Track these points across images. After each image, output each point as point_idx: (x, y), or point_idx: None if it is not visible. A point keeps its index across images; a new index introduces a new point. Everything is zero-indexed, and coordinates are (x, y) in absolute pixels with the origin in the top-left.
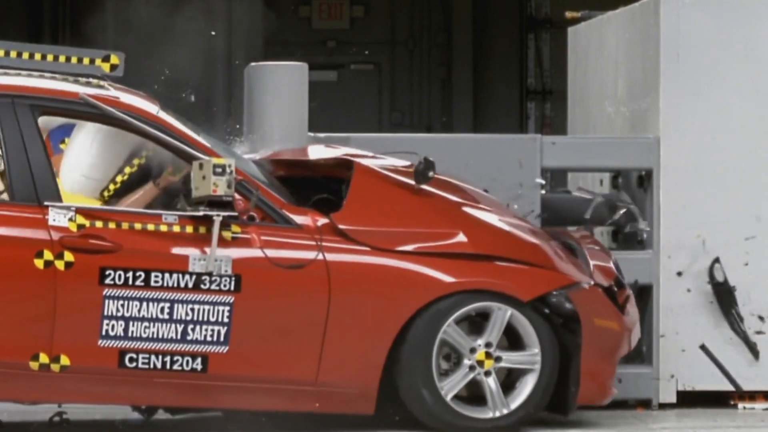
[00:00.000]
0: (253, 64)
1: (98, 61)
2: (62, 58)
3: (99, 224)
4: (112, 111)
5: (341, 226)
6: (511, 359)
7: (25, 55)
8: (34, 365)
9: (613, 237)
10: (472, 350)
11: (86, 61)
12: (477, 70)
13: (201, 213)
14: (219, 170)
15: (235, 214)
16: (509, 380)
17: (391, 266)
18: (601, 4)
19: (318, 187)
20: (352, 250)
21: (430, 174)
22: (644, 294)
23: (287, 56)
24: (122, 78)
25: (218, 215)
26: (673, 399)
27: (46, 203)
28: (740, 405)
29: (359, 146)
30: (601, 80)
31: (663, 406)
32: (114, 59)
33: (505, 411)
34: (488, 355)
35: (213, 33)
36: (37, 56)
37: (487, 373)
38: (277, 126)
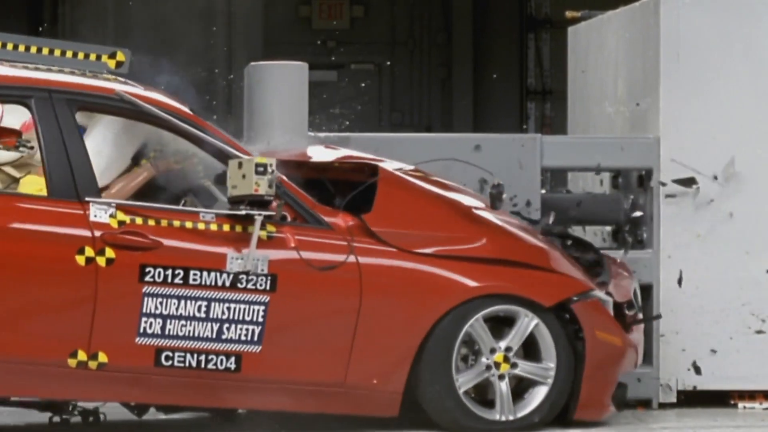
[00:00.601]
0: (253, 63)
1: (104, 58)
2: (68, 53)
3: (139, 221)
4: (148, 108)
5: (373, 228)
6: (526, 369)
7: (33, 49)
8: (72, 362)
9: (614, 237)
10: (492, 350)
11: (92, 56)
12: (477, 70)
13: (244, 212)
14: (261, 169)
15: (274, 213)
16: (519, 388)
17: (420, 269)
18: (601, 3)
19: (314, 188)
20: (383, 252)
21: (504, 196)
22: (644, 294)
23: (287, 56)
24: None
25: (260, 214)
26: (674, 399)
27: (87, 199)
28: (740, 405)
29: (359, 146)
30: (601, 80)
31: (663, 406)
32: (120, 56)
33: (510, 417)
34: (506, 359)
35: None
36: (44, 50)
37: (501, 377)
38: (278, 126)
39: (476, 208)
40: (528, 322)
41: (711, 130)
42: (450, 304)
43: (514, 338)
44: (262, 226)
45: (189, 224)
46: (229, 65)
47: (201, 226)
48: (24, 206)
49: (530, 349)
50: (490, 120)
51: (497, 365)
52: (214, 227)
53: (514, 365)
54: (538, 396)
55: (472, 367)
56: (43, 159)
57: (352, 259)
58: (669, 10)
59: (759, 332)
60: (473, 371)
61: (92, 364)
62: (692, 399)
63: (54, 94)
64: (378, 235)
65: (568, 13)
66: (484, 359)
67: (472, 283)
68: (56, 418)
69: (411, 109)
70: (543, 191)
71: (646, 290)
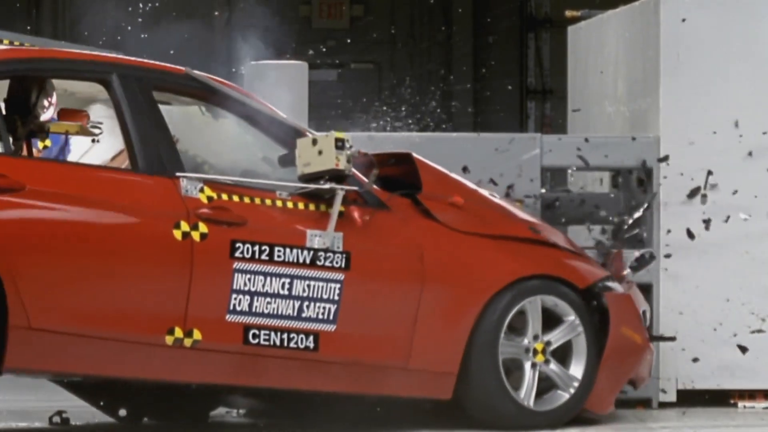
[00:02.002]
0: (252, 63)
1: None
2: None
3: (225, 197)
4: (218, 86)
5: (431, 209)
6: (555, 370)
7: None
8: (169, 339)
9: (613, 237)
10: (535, 337)
11: None
12: (477, 70)
13: (327, 186)
14: (340, 144)
15: (355, 188)
16: (540, 387)
17: (474, 248)
18: (601, 3)
19: None
20: (440, 231)
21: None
22: (644, 293)
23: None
24: None
25: (342, 189)
26: (674, 398)
27: (177, 174)
28: (740, 404)
29: (359, 146)
30: (601, 80)
31: (663, 405)
32: None
33: (531, 405)
34: (543, 351)
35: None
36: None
37: (533, 365)
38: None
39: (492, 195)
40: (574, 327)
41: (711, 130)
42: (501, 283)
43: (557, 335)
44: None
45: (269, 201)
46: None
47: (279, 203)
48: (118, 180)
49: (561, 355)
50: (490, 120)
51: (535, 352)
52: (290, 205)
53: (547, 361)
54: (557, 401)
55: (512, 341)
56: (129, 134)
57: (414, 238)
58: (669, 10)
59: (759, 332)
60: (513, 345)
61: (187, 342)
62: (692, 399)
63: (132, 72)
64: (434, 215)
65: (568, 13)
66: (526, 340)
67: (523, 262)
68: (56, 419)
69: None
70: (543, 191)
71: (646, 290)
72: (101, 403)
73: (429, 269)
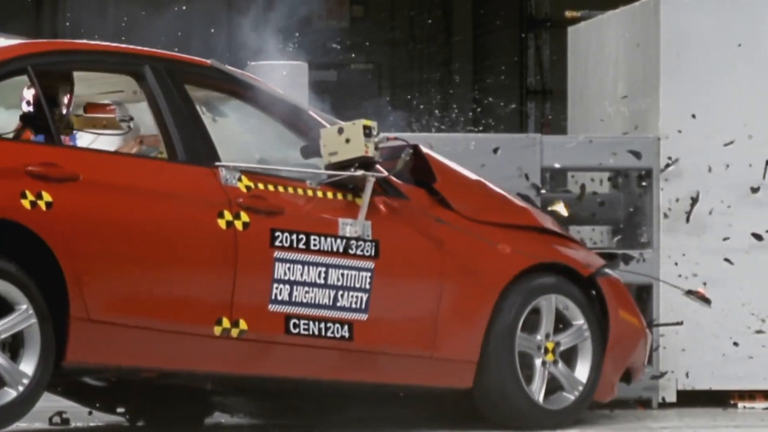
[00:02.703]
0: (252, 63)
1: None
2: None
3: (261, 186)
4: (242, 78)
5: (448, 200)
6: (562, 371)
7: None
8: (217, 330)
9: (614, 236)
10: (547, 336)
11: None
12: (477, 71)
13: (360, 173)
14: (368, 131)
15: (385, 174)
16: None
17: (485, 236)
18: (601, 3)
19: None
20: (458, 220)
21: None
22: (644, 294)
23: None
24: None
25: (372, 176)
26: (674, 398)
27: (216, 164)
28: (740, 404)
29: None
30: (601, 80)
31: (663, 406)
32: None
33: (540, 401)
34: (554, 350)
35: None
36: None
37: (543, 363)
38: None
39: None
40: (582, 332)
41: (711, 130)
42: (516, 269)
43: (566, 338)
44: (360, 193)
45: (300, 190)
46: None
47: (309, 192)
48: (164, 170)
49: (565, 358)
50: (490, 120)
51: (545, 351)
52: (320, 194)
53: (555, 362)
54: (563, 403)
55: (527, 336)
56: (166, 125)
57: (433, 227)
58: (669, 10)
59: (759, 332)
60: (527, 339)
61: (234, 332)
62: (692, 399)
63: (163, 64)
64: (450, 204)
65: (568, 13)
66: (539, 337)
67: (534, 250)
68: (56, 419)
69: (411, 108)
70: (543, 191)
71: (647, 290)
72: (97, 405)
73: (449, 257)
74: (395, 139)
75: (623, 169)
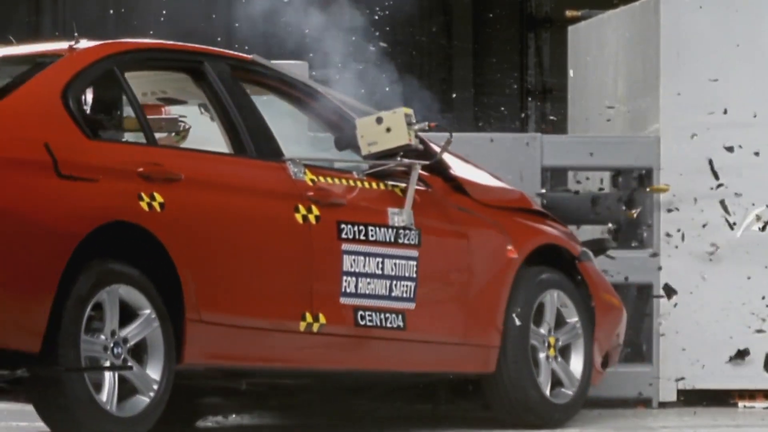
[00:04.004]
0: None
1: None
2: None
3: (322, 179)
4: (284, 74)
5: (464, 186)
6: (562, 366)
7: None
8: (302, 325)
9: (613, 237)
10: (549, 331)
11: None
12: (477, 70)
13: (407, 162)
14: (409, 119)
15: (429, 162)
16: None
17: (500, 220)
18: (601, 3)
19: None
20: (474, 207)
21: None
22: (644, 293)
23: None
24: None
25: (418, 164)
26: (674, 398)
27: (285, 158)
28: (740, 404)
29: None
30: (601, 80)
31: (663, 405)
32: None
33: (547, 393)
34: (554, 345)
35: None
36: None
37: (546, 357)
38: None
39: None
40: (576, 330)
41: (711, 130)
42: (525, 252)
43: (563, 335)
44: (398, 182)
45: (352, 182)
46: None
47: (359, 183)
48: (248, 166)
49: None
50: (491, 119)
51: (549, 345)
52: (366, 184)
53: (556, 357)
54: (563, 399)
55: (534, 329)
56: (232, 121)
57: (457, 213)
58: (669, 9)
59: (759, 332)
60: (534, 331)
61: (315, 327)
62: (692, 398)
63: (218, 60)
64: (467, 191)
65: (569, 13)
66: (542, 330)
67: (539, 231)
68: None
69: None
70: (543, 191)
71: (646, 290)
72: None
73: (473, 242)
74: (436, 126)
75: (623, 169)
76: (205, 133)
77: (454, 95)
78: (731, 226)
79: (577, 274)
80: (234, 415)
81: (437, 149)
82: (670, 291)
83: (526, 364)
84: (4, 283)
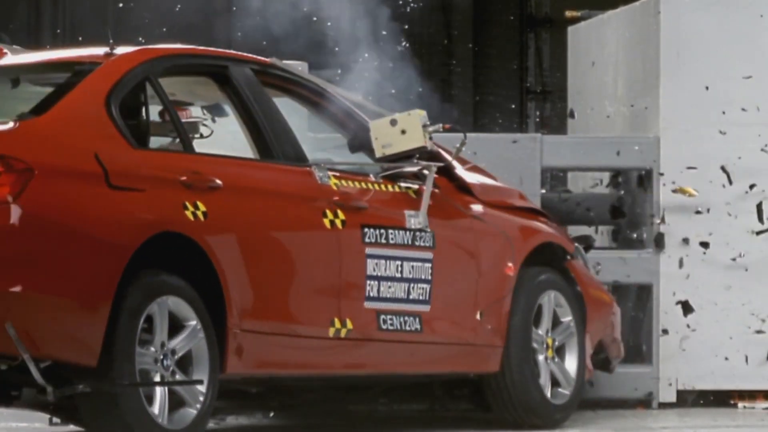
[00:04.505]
0: None
1: None
2: None
3: (344, 183)
4: (301, 76)
5: (469, 186)
6: (560, 367)
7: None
8: (331, 331)
9: (614, 237)
10: (546, 332)
11: None
12: (477, 70)
13: (424, 164)
14: (423, 121)
15: (443, 164)
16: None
17: (501, 218)
18: (601, 3)
19: None
20: (480, 207)
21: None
22: (644, 293)
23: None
24: None
25: (434, 166)
26: (673, 398)
27: (311, 162)
28: (740, 404)
29: None
30: (601, 80)
31: (663, 406)
32: None
33: (548, 395)
34: (552, 346)
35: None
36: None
37: (545, 359)
38: None
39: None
40: (570, 329)
41: (711, 130)
42: (526, 251)
43: (559, 335)
44: (409, 184)
45: (370, 185)
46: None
47: (376, 186)
48: (279, 172)
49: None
50: (490, 120)
51: (547, 346)
52: (383, 187)
53: (553, 358)
54: (561, 399)
55: (534, 330)
56: (259, 123)
57: (464, 214)
58: (669, 9)
59: (759, 332)
60: (534, 332)
61: (343, 332)
62: (692, 398)
63: (242, 64)
64: (471, 190)
65: (568, 13)
66: (540, 331)
67: (539, 230)
68: (56, 419)
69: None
70: (543, 191)
71: (646, 290)
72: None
73: (481, 243)
74: (450, 128)
75: (623, 169)
76: (213, 136)
77: (453, 95)
78: (730, 225)
79: (569, 271)
80: (234, 416)
81: (440, 150)
82: (687, 308)
83: (528, 365)
84: (61, 296)
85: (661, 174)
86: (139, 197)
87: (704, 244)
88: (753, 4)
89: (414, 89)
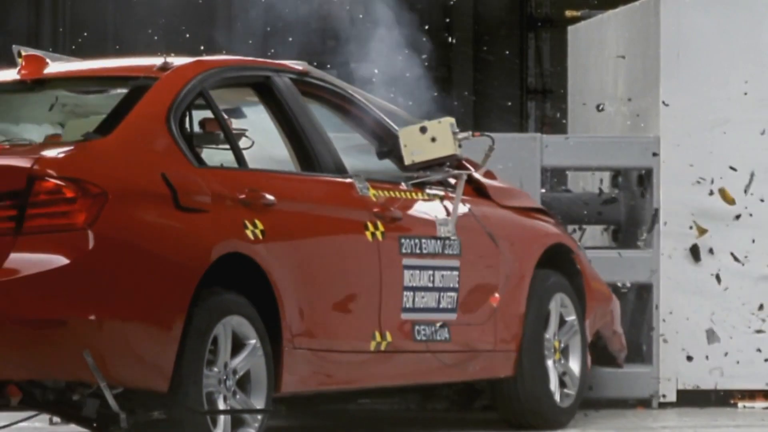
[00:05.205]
0: None
1: None
2: None
3: (381, 194)
4: (335, 84)
5: (487, 189)
6: (567, 368)
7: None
8: (372, 345)
9: (614, 237)
10: (554, 335)
11: None
12: (477, 70)
13: (456, 172)
14: (453, 129)
15: (471, 171)
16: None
17: (515, 221)
18: (601, 3)
19: None
20: (496, 209)
21: None
22: (644, 294)
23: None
24: None
25: (465, 173)
26: (674, 398)
27: (351, 174)
28: (740, 404)
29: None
30: (601, 80)
31: (663, 406)
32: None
33: (558, 399)
34: (558, 349)
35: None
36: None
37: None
38: None
39: None
40: (574, 328)
41: (711, 130)
42: (538, 252)
43: (564, 334)
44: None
45: (403, 194)
46: None
47: (408, 195)
48: (324, 185)
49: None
50: (490, 120)
51: (554, 350)
52: (413, 195)
53: (560, 360)
54: (568, 401)
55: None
56: (300, 134)
57: (484, 218)
58: (669, 9)
59: (759, 332)
60: (545, 339)
61: (383, 345)
62: (692, 399)
63: (282, 73)
64: (489, 194)
65: (568, 13)
66: (547, 335)
67: (546, 232)
68: (56, 419)
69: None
70: (543, 191)
71: (646, 290)
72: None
73: (498, 246)
74: (480, 135)
75: (623, 169)
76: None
77: (453, 95)
78: (731, 225)
79: (573, 267)
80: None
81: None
82: (713, 337)
83: (540, 372)
84: (135, 321)
85: (702, 179)
86: (205, 218)
87: (704, 244)
88: (753, 4)
89: (414, 89)
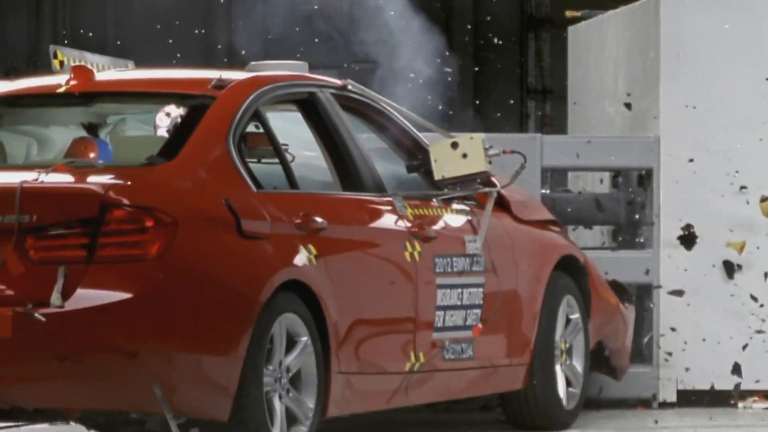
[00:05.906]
0: (253, 63)
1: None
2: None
3: (418, 211)
4: (373, 98)
5: (509, 204)
6: (573, 369)
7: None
8: (407, 366)
9: (613, 236)
10: (560, 336)
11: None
12: (477, 70)
13: (486, 190)
14: (485, 146)
15: (499, 189)
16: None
17: (531, 235)
18: (601, 3)
19: None
20: (517, 224)
21: None
22: (644, 294)
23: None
24: None
25: (494, 190)
26: (674, 398)
27: (390, 193)
28: (740, 404)
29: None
30: (601, 80)
31: (663, 405)
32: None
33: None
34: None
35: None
36: None
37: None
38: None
39: None
40: (578, 327)
41: (711, 130)
42: (551, 264)
43: (569, 334)
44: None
45: (435, 211)
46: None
47: (439, 212)
48: (363, 205)
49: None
50: (490, 120)
51: (561, 352)
52: (443, 211)
53: (566, 361)
54: (574, 401)
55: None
56: (343, 152)
57: (506, 233)
58: (669, 9)
59: (759, 332)
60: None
61: (417, 366)
62: (692, 399)
63: (326, 89)
64: (510, 209)
65: (568, 13)
66: (556, 337)
67: (557, 244)
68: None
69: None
70: (543, 191)
71: (646, 290)
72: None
73: (519, 260)
74: (511, 151)
75: (623, 169)
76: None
77: (453, 95)
78: (730, 224)
79: (579, 268)
80: None
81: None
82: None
83: (550, 382)
84: (201, 353)
85: (744, 187)
86: (266, 245)
87: (704, 243)
88: (753, 4)
89: (414, 89)
